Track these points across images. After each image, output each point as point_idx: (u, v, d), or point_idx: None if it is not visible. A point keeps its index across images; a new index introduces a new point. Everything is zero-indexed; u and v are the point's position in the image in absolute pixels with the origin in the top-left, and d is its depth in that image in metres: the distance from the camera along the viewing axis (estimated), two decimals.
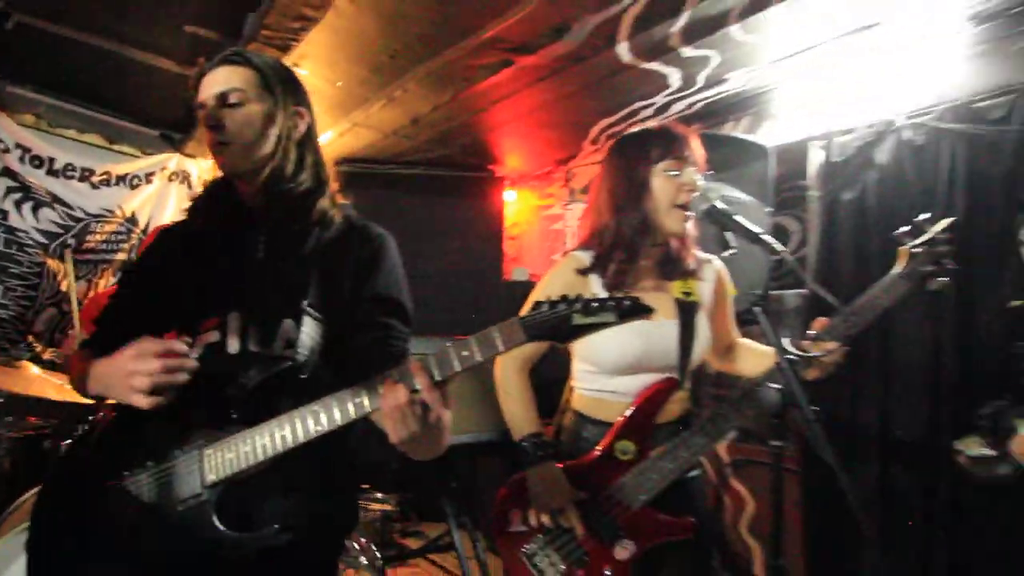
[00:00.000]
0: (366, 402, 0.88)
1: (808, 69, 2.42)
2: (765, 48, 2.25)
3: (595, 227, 1.46)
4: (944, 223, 1.45)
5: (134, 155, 3.51)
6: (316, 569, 1.08)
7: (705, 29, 2.09)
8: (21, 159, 3.11)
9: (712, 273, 1.53)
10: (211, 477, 0.95)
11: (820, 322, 1.39)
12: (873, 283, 1.42)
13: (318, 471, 1.02)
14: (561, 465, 1.39)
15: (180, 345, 0.96)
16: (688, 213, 1.38)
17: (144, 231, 3.49)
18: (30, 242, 3.15)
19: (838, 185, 2.38)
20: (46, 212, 3.19)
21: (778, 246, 1.26)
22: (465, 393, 2.20)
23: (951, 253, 1.43)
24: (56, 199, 3.22)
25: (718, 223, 1.30)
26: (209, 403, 0.99)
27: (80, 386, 1.05)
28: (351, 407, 0.89)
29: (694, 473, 1.46)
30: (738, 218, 1.28)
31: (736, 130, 2.81)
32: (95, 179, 3.35)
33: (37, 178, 3.16)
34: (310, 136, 1.14)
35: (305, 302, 1.04)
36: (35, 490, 1.75)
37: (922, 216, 1.48)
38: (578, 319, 0.83)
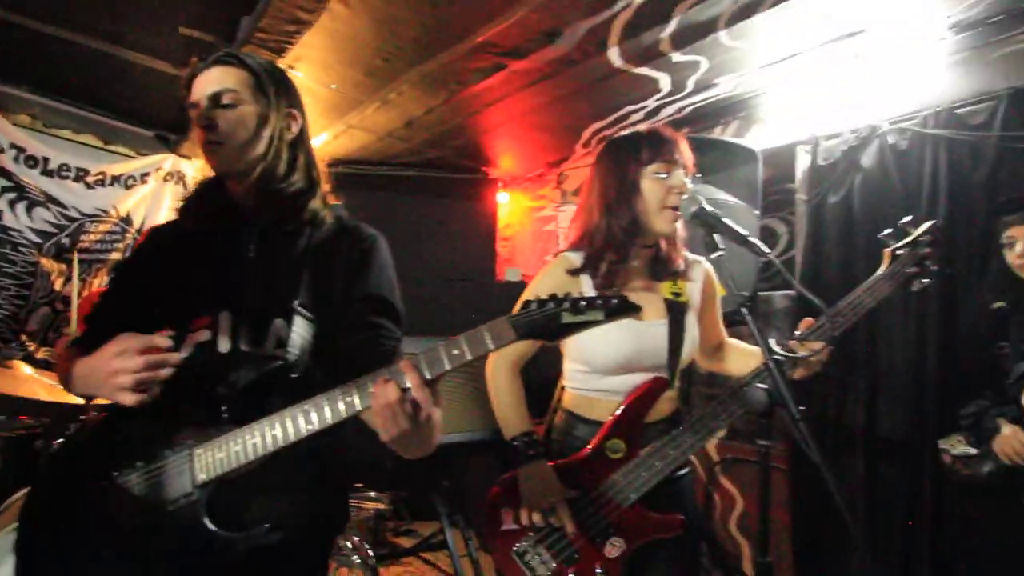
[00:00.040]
0: (357, 401, 0.88)
1: (795, 75, 2.46)
2: (753, 54, 2.29)
3: (586, 228, 1.47)
4: (926, 226, 1.48)
5: (129, 155, 3.51)
6: (307, 568, 1.09)
7: (694, 35, 2.12)
8: (16, 159, 3.10)
9: (701, 274, 1.55)
10: (202, 477, 0.94)
11: (806, 322, 1.41)
12: (858, 284, 1.45)
13: (309, 470, 1.03)
14: (552, 464, 1.40)
15: (162, 339, 0.95)
16: (677, 215, 1.40)
17: (139, 231, 3.49)
18: (24, 241, 3.14)
19: (824, 188, 2.42)
20: (40, 212, 3.19)
21: (764, 248, 1.29)
22: (458, 392, 2.21)
23: (934, 255, 1.46)
24: (51, 199, 3.21)
25: (706, 225, 1.32)
26: (199, 402, 0.99)
27: (67, 386, 1.05)
28: (342, 406, 0.89)
29: (683, 471, 1.47)
30: (725, 220, 1.30)
31: (725, 134, 2.85)
32: (90, 179, 3.35)
33: (32, 178, 3.15)
34: (302, 137, 1.14)
35: (296, 302, 1.04)
36: (24, 491, 1.75)
37: (905, 219, 1.52)
38: (567, 317, 0.84)
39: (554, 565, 1.36)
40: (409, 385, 0.85)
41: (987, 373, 1.73)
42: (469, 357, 0.85)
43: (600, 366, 1.43)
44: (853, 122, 2.36)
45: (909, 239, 1.47)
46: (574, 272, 1.43)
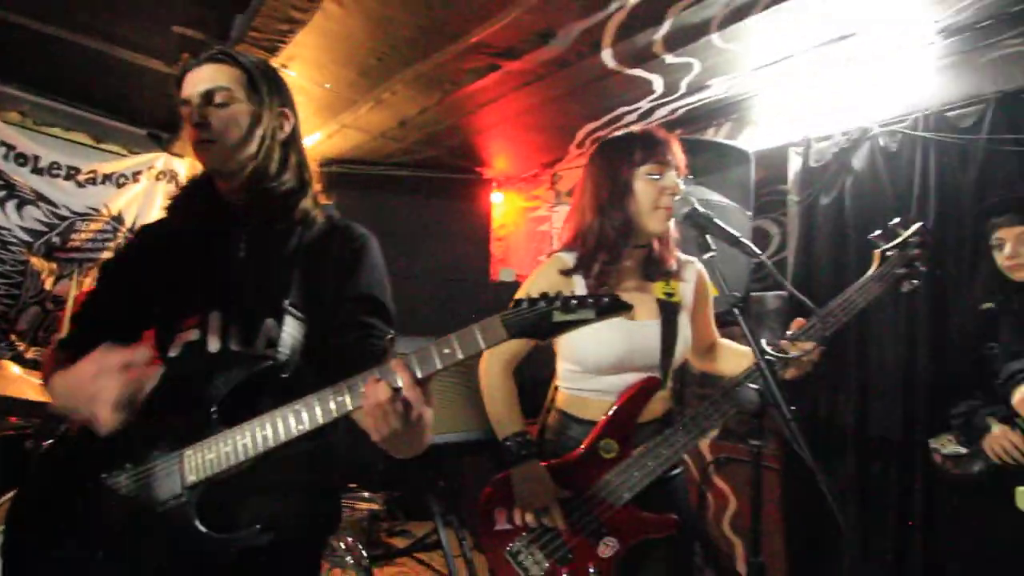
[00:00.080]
0: (348, 401, 0.88)
1: (787, 77, 2.48)
2: (745, 56, 2.30)
3: (579, 228, 1.47)
4: (915, 227, 1.49)
5: (121, 154, 3.49)
6: (299, 569, 1.08)
7: (687, 37, 2.13)
8: (5, 157, 3.08)
9: (693, 274, 1.55)
10: (191, 478, 0.93)
11: (797, 323, 1.42)
12: (849, 285, 1.46)
13: (300, 471, 1.02)
14: (545, 464, 1.40)
15: (142, 353, 0.93)
16: (670, 215, 1.41)
17: (130, 230, 3.47)
18: (14, 240, 3.12)
19: (816, 190, 2.44)
20: (30, 210, 3.16)
21: (755, 249, 1.29)
22: (451, 393, 2.21)
23: (923, 256, 1.47)
24: (41, 197, 3.19)
25: (698, 226, 1.32)
26: (189, 403, 0.98)
27: (49, 394, 1.03)
28: (333, 406, 0.88)
29: (676, 471, 1.48)
30: (717, 221, 1.31)
31: (718, 135, 2.86)
32: (81, 177, 3.32)
33: (22, 176, 3.13)
34: (294, 137, 1.14)
35: (287, 301, 1.03)
36: (11, 493, 1.73)
37: (894, 220, 1.53)
38: (558, 316, 0.84)
39: (547, 565, 1.36)
40: (400, 384, 0.84)
41: (977, 373, 1.74)
42: (460, 356, 0.85)
43: (593, 366, 1.44)
44: (844, 124, 2.38)
45: (898, 240, 1.48)
46: (567, 272, 1.44)
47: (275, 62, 2.36)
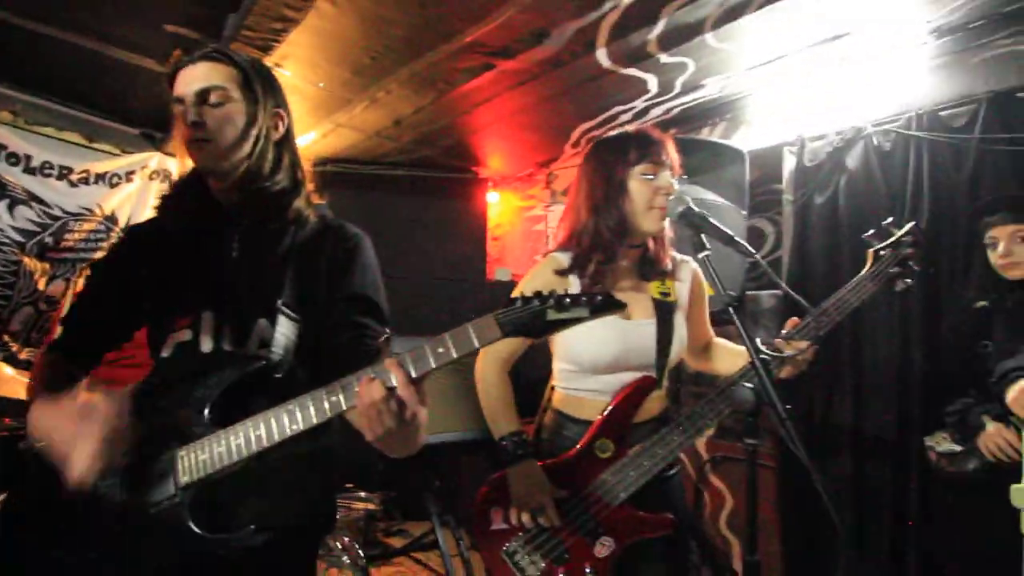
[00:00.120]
0: (342, 400, 0.87)
1: (781, 77, 2.49)
2: (740, 56, 2.31)
3: (573, 228, 1.47)
4: (908, 227, 1.50)
5: (114, 153, 3.46)
6: (294, 569, 1.08)
7: (681, 37, 2.14)
8: None
9: (689, 273, 1.56)
10: (184, 479, 0.93)
11: (792, 322, 1.43)
12: (844, 284, 1.47)
13: (294, 471, 1.02)
14: (541, 463, 1.40)
15: (123, 406, 0.90)
16: (664, 215, 1.41)
17: (124, 230, 3.45)
18: (6, 240, 3.09)
19: (810, 189, 2.45)
20: (22, 210, 3.13)
21: (750, 248, 1.30)
22: (448, 392, 2.20)
23: (916, 255, 1.48)
24: (33, 197, 3.16)
25: (693, 225, 1.33)
26: (182, 403, 0.98)
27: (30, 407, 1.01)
28: (326, 405, 0.88)
29: (673, 470, 1.48)
30: (712, 220, 1.31)
31: (712, 135, 2.87)
32: (73, 177, 3.30)
33: (13, 176, 3.10)
34: (288, 137, 1.13)
35: (280, 301, 1.03)
36: (4, 495, 1.71)
37: (887, 220, 1.53)
38: (552, 314, 0.84)
39: (543, 565, 1.36)
40: (395, 383, 0.84)
41: (971, 371, 1.75)
42: (455, 355, 0.85)
43: (589, 365, 1.44)
44: (838, 124, 2.39)
45: (892, 239, 1.49)
46: (562, 272, 1.44)
47: (268, 61, 2.35)
